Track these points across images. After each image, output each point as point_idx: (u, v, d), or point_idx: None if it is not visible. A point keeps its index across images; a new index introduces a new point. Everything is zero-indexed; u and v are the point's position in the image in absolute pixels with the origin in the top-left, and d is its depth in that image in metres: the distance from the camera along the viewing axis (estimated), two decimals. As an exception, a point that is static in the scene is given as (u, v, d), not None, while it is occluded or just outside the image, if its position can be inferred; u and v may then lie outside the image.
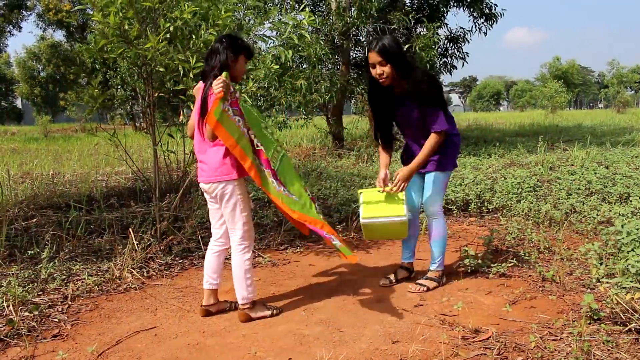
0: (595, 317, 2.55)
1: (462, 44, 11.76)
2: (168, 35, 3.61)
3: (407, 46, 9.70)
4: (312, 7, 10.96)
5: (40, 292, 3.14)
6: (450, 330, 2.60)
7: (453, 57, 11.84)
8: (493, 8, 11.44)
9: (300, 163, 8.52)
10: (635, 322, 2.36)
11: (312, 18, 3.93)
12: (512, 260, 3.45)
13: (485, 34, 11.68)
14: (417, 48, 9.40)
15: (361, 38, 11.26)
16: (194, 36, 3.68)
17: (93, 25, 4.02)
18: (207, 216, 4.54)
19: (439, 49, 10.97)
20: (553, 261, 3.49)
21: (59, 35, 35.56)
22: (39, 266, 3.45)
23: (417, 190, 3.27)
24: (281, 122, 8.74)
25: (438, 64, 11.52)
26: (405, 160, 3.29)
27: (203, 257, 3.75)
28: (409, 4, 11.29)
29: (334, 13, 9.58)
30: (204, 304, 2.89)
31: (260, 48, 5.84)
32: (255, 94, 6.98)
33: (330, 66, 10.42)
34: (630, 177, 5.48)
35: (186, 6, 3.49)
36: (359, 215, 3.12)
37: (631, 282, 2.73)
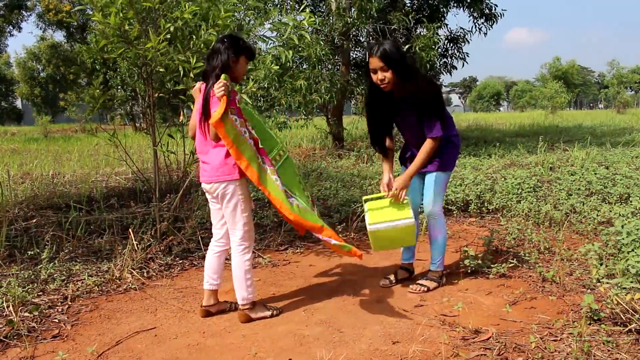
0: (596, 318, 2.54)
1: (462, 44, 11.76)
2: (168, 36, 3.61)
3: (407, 46, 9.70)
4: (312, 8, 10.96)
5: (40, 293, 3.14)
6: (450, 330, 2.60)
7: (453, 58, 11.84)
8: (493, 8, 11.45)
9: (301, 163, 8.52)
10: (636, 323, 2.36)
11: (312, 19, 3.93)
12: (512, 261, 3.45)
13: (485, 34, 11.68)
14: (417, 48, 9.40)
15: (361, 38, 11.26)
16: (194, 36, 3.69)
17: (93, 26, 4.01)
18: (207, 217, 4.55)
19: (439, 49, 10.97)
20: (553, 262, 3.49)
21: (59, 36, 35.65)
22: (39, 267, 3.45)
23: (417, 191, 3.27)
24: (281, 122, 8.74)
25: (438, 64, 11.52)
26: (405, 160, 3.30)
27: (203, 257, 3.76)
28: (409, 5, 11.29)
29: (334, 13, 9.58)
30: (204, 305, 2.89)
31: (260, 48, 5.84)
32: (255, 95, 6.98)
33: (330, 66, 10.42)
34: (630, 177, 5.49)
35: (186, 6, 3.49)
36: (365, 221, 3.07)
37: (631, 282, 2.73)
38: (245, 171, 2.58)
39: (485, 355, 2.33)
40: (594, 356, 2.22)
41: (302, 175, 6.79)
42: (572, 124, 18.92)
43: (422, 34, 9.93)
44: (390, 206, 3.02)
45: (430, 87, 2.97)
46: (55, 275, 3.37)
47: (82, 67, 24.84)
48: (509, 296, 3.04)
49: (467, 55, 11.77)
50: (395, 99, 3.06)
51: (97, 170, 7.85)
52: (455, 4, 11.56)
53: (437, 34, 9.86)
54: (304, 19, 3.94)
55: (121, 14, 3.50)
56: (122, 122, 22.19)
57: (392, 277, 3.36)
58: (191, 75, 3.58)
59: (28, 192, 5.74)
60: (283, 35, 3.99)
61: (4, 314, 2.79)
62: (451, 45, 11.79)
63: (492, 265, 3.40)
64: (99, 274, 3.48)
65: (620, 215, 4.20)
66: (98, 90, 3.93)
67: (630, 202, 4.60)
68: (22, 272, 3.37)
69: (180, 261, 3.82)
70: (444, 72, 12.10)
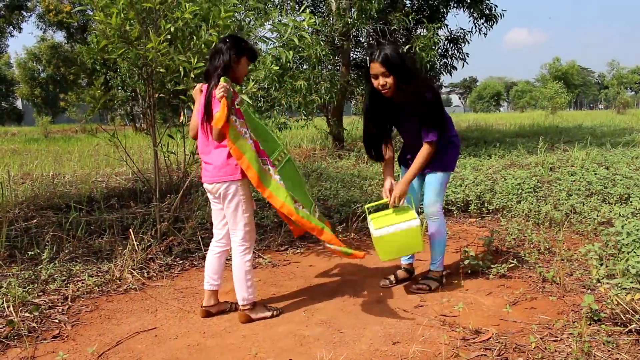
0: (596, 318, 2.55)
1: (462, 44, 11.75)
2: (169, 36, 3.61)
3: (407, 47, 9.70)
4: (312, 8, 10.97)
5: (41, 293, 3.14)
6: (450, 331, 2.60)
7: (453, 58, 11.83)
8: (493, 9, 11.45)
9: (301, 164, 8.52)
10: (636, 323, 2.36)
11: (312, 19, 3.93)
12: (512, 261, 3.45)
13: (486, 34, 11.68)
14: (417, 49, 9.41)
15: (361, 39, 11.27)
16: (194, 37, 3.69)
17: (94, 26, 4.01)
18: (207, 217, 4.55)
19: (439, 50, 10.97)
20: (553, 262, 3.49)
21: (59, 37, 35.69)
22: (39, 267, 3.45)
23: (417, 191, 3.28)
24: (281, 123, 8.74)
25: (438, 64, 11.51)
26: (404, 161, 3.30)
27: (203, 258, 3.76)
28: (409, 5, 11.29)
29: (334, 14, 9.58)
30: (205, 305, 2.89)
31: (260, 49, 5.84)
32: (256, 95, 6.99)
33: (330, 67, 10.42)
34: (630, 177, 5.49)
35: (187, 7, 3.50)
36: (369, 229, 3.04)
37: (631, 282, 2.73)
38: (246, 172, 2.58)
39: (485, 355, 2.33)
40: (594, 356, 2.23)
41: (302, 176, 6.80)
42: (572, 124, 18.92)
43: (422, 34, 9.93)
44: (394, 212, 3.02)
45: (429, 92, 2.94)
46: (55, 275, 3.38)
47: (82, 68, 24.88)
48: (509, 296, 3.04)
49: (467, 56, 11.77)
50: (395, 104, 3.05)
51: (98, 170, 7.85)
52: (456, 5, 11.56)
53: (437, 34, 9.86)
54: (304, 20, 3.95)
55: (122, 14, 3.50)
56: (122, 123, 22.20)
57: (392, 277, 3.36)
58: (192, 75, 3.58)
59: (28, 193, 5.74)
60: (283, 36, 3.99)
61: (5, 314, 2.79)
62: (451, 45, 11.80)
63: (492, 266, 3.40)
64: (99, 274, 3.48)
65: (620, 215, 4.20)
66: (99, 91, 3.93)
67: (631, 202, 4.60)
68: (23, 272, 3.38)
69: (181, 261, 3.82)
70: (444, 73, 12.10)
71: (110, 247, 3.91)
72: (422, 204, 3.29)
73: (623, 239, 3.24)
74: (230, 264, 2.82)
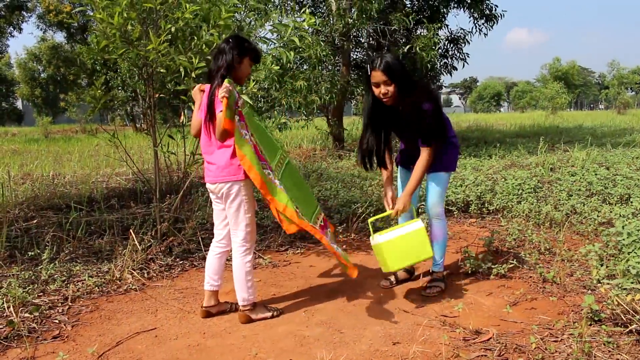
0: (596, 319, 2.54)
1: (463, 44, 11.76)
2: (169, 37, 3.61)
3: (407, 47, 9.71)
4: (312, 9, 10.97)
5: (41, 293, 3.14)
6: (450, 331, 2.60)
7: (453, 58, 11.84)
8: (493, 9, 11.45)
9: (301, 164, 8.52)
10: (636, 324, 2.36)
11: (312, 20, 3.93)
12: (512, 262, 3.45)
13: (486, 35, 11.69)
14: (417, 49, 9.41)
15: (361, 39, 11.27)
16: (195, 37, 3.69)
17: (94, 27, 4.01)
18: (207, 217, 4.55)
19: (440, 50, 10.97)
20: (554, 262, 3.49)
21: (59, 37, 35.68)
22: (40, 267, 3.45)
23: (416, 193, 3.27)
24: (282, 123, 8.74)
25: (438, 64, 11.52)
26: (403, 161, 3.29)
27: (203, 258, 3.76)
28: (409, 5, 11.30)
29: (334, 14, 9.58)
30: (205, 305, 2.89)
31: (261, 49, 5.84)
32: (256, 95, 6.98)
33: (330, 67, 10.42)
34: (630, 178, 5.48)
35: (187, 7, 3.50)
36: (373, 240, 2.97)
37: (632, 283, 2.73)
38: (248, 172, 2.58)
39: (485, 356, 2.33)
40: (595, 357, 2.22)
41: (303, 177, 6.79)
42: (572, 124, 18.92)
43: (422, 34, 9.93)
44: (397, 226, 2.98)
45: (428, 102, 2.90)
46: (55, 276, 3.38)
47: (82, 68, 24.89)
48: (509, 297, 3.04)
49: (468, 56, 11.78)
50: (395, 111, 3.02)
51: (98, 170, 7.85)
52: (456, 5, 11.57)
53: (438, 34, 9.87)
54: (304, 21, 3.94)
55: (125, 14, 3.50)
56: (122, 123, 22.21)
57: (392, 278, 3.35)
58: (193, 75, 3.58)
59: (28, 193, 5.74)
60: (283, 37, 3.99)
61: (5, 314, 2.79)
62: (451, 45, 11.80)
63: (493, 266, 3.40)
64: (100, 274, 3.48)
65: (620, 216, 4.20)
66: (99, 91, 3.93)
67: (631, 202, 4.60)
68: (23, 272, 3.38)
69: (181, 262, 3.82)
70: (445, 73, 12.10)
71: (110, 248, 3.91)
72: (421, 205, 3.29)
73: (623, 240, 3.23)
74: (231, 265, 2.82)
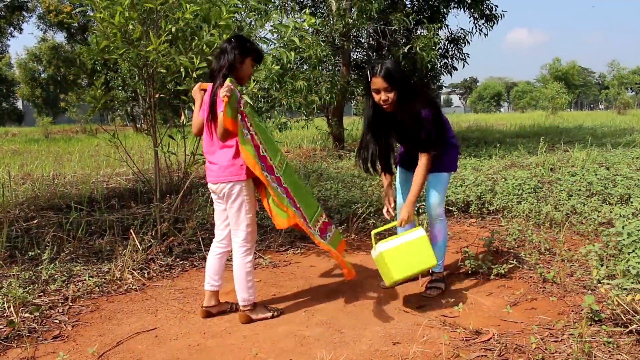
0: (596, 319, 2.54)
1: (463, 45, 11.75)
2: (169, 37, 3.61)
3: (407, 47, 9.70)
4: (312, 9, 10.97)
5: (41, 294, 3.14)
6: (451, 331, 2.60)
7: (454, 58, 11.82)
8: (493, 9, 11.45)
9: (301, 164, 8.53)
10: (636, 324, 2.36)
11: (312, 20, 3.93)
12: (512, 262, 3.45)
13: (486, 35, 11.68)
14: (417, 49, 9.41)
15: (362, 39, 11.27)
16: (196, 37, 3.69)
17: (94, 27, 4.01)
18: (207, 217, 4.55)
19: (440, 50, 10.97)
20: (554, 262, 3.49)
21: (59, 37, 35.62)
22: (40, 267, 3.45)
23: None
24: (282, 123, 8.74)
25: (439, 65, 11.51)
26: (402, 162, 3.29)
27: (203, 258, 3.76)
28: (409, 5, 11.30)
29: (334, 14, 9.58)
30: (205, 305, 2.89)
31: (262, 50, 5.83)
32: (256, 95, 6.99)
33: (330, 67, 10.42)
34: (630, 178, 5.48)
35: (187, 7, 3.50)
36: (374, 251, 2.91)
37: (632, 283, 2.73)
38: (253, 170, 2.58)
39: (485, 356, 2.33)
40: (595, 357, 2.22)
41: (301, 177, 6.80)
42: (572, 124, 18.92)
43: (422, 34, 9.93)
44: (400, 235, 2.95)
45: (427, 109, 2.89)
46: (56, 276, 3.38)
47: (83, 68, 24.88)
48: (509, 297, 3.04)
49: (468, 56, 11.77)
50: (394, 117, 3.00)
51: (98, 171, 7.85)
52: (456, 5, 11.56)
53: (438, 34, 9.87)
54: (304, 21, 3.94)
55: (126, 13, 3.50)
56: (122, 123, 22.22)
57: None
58: (194, 75, 3.58)
59: (29, 193, 5.75)
60: (284, 37, 3.99)
61: (5, 314, 2.79)
62: (452, 46, 11.79)
63: (493, 266, 3.40)
64: (100, 274, 3.48)
65: (620, 216, 4.20)
66: (99, 91, 3.94)
67: (631, 203, 4.60)
68: (23, 272, 3.38)
69: (181, 262, 3.82)
70: (445, 73, 12.09)
71: (110, 248, 3.91)
72: (421, 205, 3.28)
73: (623, 240, 3.23)
74: (231, 265, 2.82)
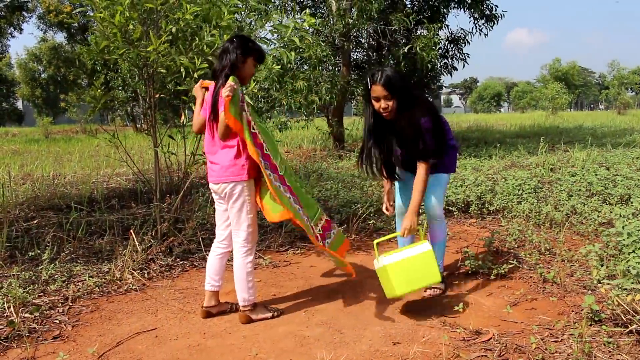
0: (596, 319, 2.54)
1: (463, 45, 11.76)
2: (170, 37, 3.62)
3: (407, 47, 9.71)
4: (312, 9, 10.98)
5: (41, 294, 3.14)
6: (451, 331, 2.60)
7: (454, 59, 11.83)
8: (493, 9, 11.46)
9: (301, 164, 8.53)
10: (637, 324, 2.36)
11: (312, 20, 3.93)
12: (512, 262, 3.45)
13: (486, 35, 11.68)
14: (417, 49, 9.41)
15: (362, 39, 11.27)
16: (196, 37, 3.69)
17: (94, 27, 4.01)
18: (207, 217, 4.55)
19: (440, 50, 10.97)
20: (554, 262, 3.48)
21: (59, 37, 35.62)
22: (40, 267, 3.45)
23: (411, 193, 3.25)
24: (282, 123, 8.75)
25: (439, 65, 11.52)
26: (402, 162, 3.28)
27: (204, 258, 3.76)
28: (409, 5, 11.30)
29: (334, 14, 9.59)
30: (205, 306, 2.89)
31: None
32: (256, 95, 6.99)
33: (330, 67, 10.43)
34: (631, 178, 5.48)
35: (188, 7, 3.50)
36: (376, 264, 2.86)
37: (632, 283, 2.73)
38: (257, 160, 2.58)
39: (486, 356, 2.33)
40: (595, 357, 2.22)
41: (301, 177, 6.80)
42: (572, 125, 18.92)
43: (422, 34, 9.93)
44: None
45: (426, 117, 2.88)
46: (56, 276, 3.38)
47: (83, 69, 24.88)
48: (509, 297, 3.04)
49: (468, 56, 11.78)
50: (395, 124, 2.99)
51: (98, 171, 7.86)
52: (456, 5, 11.57)
53: (438, 34, 9.87)
54: (304, 21, 3.94)
55: (127, 13, 3.50)
56: (122, 123, 22.22)
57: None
58: (195, 76, 3.59)
59: (29, 193, 5.75)
60: (284, 37, 3.99)
61: (5, 314, 2.79)
62: (452, 46, 11.79)
63: (493, 266, 3.40)
64: (100, 274, 3.48)
65: (621, 216, 4.19)
66: (99, 91, 3.93)
67: (631, 203, 4.60)
68: (23, 273, 3.38)
69: (181, 262, 3.82)
70: (445, 73, 12.10)
71: (110, 248, 3.92)
72: (421, 205, 3.28)
73: (624, 240, 3.23)
74: (231, 265, 2.82)
